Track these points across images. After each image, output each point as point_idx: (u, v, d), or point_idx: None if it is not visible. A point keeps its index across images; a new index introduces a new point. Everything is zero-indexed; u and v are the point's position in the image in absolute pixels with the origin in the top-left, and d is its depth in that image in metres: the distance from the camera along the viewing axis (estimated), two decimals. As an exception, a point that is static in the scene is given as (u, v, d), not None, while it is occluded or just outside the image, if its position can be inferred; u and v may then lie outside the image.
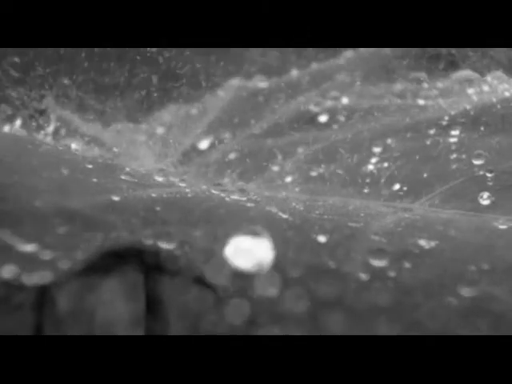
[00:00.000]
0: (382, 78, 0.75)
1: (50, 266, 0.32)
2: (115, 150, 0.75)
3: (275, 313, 0.33)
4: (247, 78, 0.80)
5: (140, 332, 0.35)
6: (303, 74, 0.79)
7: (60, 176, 0.39)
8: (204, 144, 0.71)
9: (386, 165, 0.56)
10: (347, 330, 0.33)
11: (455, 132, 0.58)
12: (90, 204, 0.36)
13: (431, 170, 0.54)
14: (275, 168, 0.61)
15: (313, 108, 0.68)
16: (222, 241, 0.35)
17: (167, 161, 0.72)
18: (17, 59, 0.82)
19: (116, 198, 0.37)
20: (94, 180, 0.39)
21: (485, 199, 0.48)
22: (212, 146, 0.70)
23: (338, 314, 0.33)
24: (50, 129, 0.72)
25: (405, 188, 0.53)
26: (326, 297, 0.34)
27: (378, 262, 0.35)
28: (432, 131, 0.59)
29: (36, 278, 0.31)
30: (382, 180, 0.54)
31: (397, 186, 0.53)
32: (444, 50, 0.78)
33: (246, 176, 0.62)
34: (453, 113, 0.61)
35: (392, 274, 0.35)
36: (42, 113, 0.74)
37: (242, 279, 0.34)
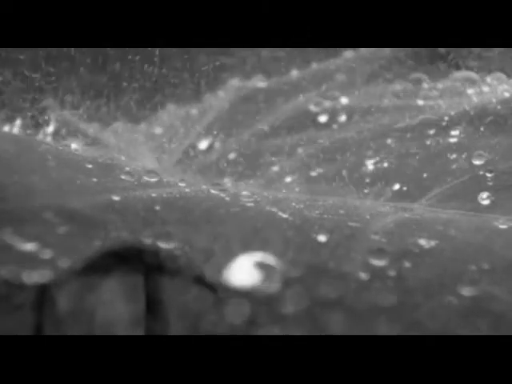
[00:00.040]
0: (382, 78, 0.75)
1: (50, 264, 0.32)
2: (115, 149, 0.75)
3: (275, 313, 0.33)
4: (247, 78, 0.80)
5: (140, 332, 0.35)
6: (303, 74, 0.79)
7: (60, 176, 0.39)
8: (204, 144, 0.71)
9: (386, 165, 0.56)
10: (347, 329, 0.33)
11: (455, 132, 0.58)
12: (89, 204, 0.36)
13: (431, 169, 0.54)
14: (275, 168, 0.61)
15: (313, 108, 0.68)
16: (222, 241, 0.35)
17: (167, 161, 0.72)
18: (17, 59, 0.82)
19: (116, 198, 0.37)
20: (94, 180, 0.39)
21: (485, 199, 0.48)
22: (212, 146, 0.70)
23: (337, 314, 0.33)
24: (50, 129, 0.72)
25: (405, 188, 0.53)
26: (325, 297, 0.34)
27: (378, 262, 0.35)
28: (432, 131, 0.59)
29: (36, 277, 0.31)
30: (382, 180, 0.54)
31: (397, 186, 0.53)
32: (444, 50, 0.78)
33: (246, 176, 0.62)
34: (453, 113, 0.61)
35: (392, 273, 0.35)
36: (42, 113, 0.74)
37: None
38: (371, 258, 0.36)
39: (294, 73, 0.79)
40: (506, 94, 0.63)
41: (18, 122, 0.72)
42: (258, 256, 0.34)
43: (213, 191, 0.43)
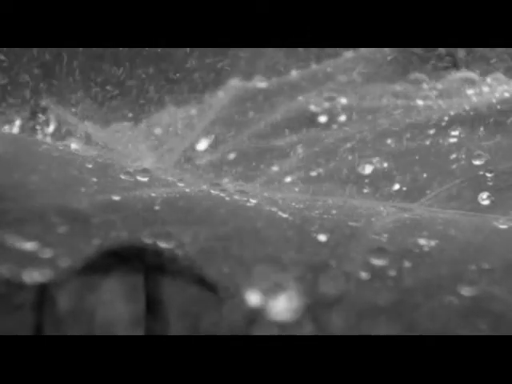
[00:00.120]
0: (382, 78, 0.75)
1: (50, 264, 0.32)
2: (115, 149, 0.75)
3: (275, 313, 0.33)
4: (247, 78, 0.80)
5: (140, 332, 0.35)
6: (303, 74, 0.79)
7: (60, 176, 0.39)
8: (204, 144, 0.71)
9: (386, 165, 0.56)
10: (347, 329, 0.33)
11: (455, 132, 0.58)
12: (89, 203, 0.36)
13: (431, 170, 0.54)
14: (275, 168, 0.61)
15: (313, 108, 0.68)
16: (223, 241, 0.35)
17: (167, 161, 0.72)
18: (17, 59, 0.82)
19: (116, 198, 0.37)
20: (94, 180, 0.39)
21: (485, 199, 0.48)
22: (212, 146, 0.70)
23: (338, 314, 0.33)
24: (50, 129, 0.72)
25: (405, 188, 0.53)
26: (326, 296, 0.34)
27: (378, 262, 0.35)
28: (432, 131, 0.59)
29: (36, 276, 0.31)
30: (382, 180, 0.54)
31: (397, 186, 0.53)
32: (444, 50, 0.78)
33: (246, 176, 0.62)
34: (453, 113, 0.61)
35: (392, 273, 0.35)
36: (42, 113, 0.74)
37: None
38: (371, 257, 0.36)
39: (294, 73, 0.79)
40: (506, 94, 0.63)
41: (18, 122, 0.72)
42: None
43: (213, 191, 0.43)
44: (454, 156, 0.55)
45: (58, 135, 0.72)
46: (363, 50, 0.79)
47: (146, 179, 0.42)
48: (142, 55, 0.87)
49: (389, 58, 0.77)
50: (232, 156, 0.66)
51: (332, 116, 0.66)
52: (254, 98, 0.75)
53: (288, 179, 0.58)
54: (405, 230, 0.40)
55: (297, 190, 0.56)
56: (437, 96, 0.67)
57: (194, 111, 0.79)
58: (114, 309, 0.35)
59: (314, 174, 0.58)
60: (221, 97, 0.78)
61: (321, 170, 0.58)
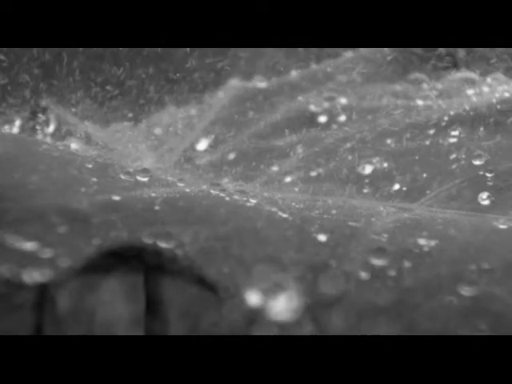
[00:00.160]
0: (382, 78, 0.75)
1: (50, 264, 0.32)
2: (115, 149, 0.75)
3: (275, 313, 0.33)
4: (247, 78, 0.80)
5: (140, 332, 0.35)
6: (303, 74, 0.79)
7: (60, 176, 0.39)
8: (203, 144, 0.71)
9: (385, 165, 0.56)
10: (347, 329, 0.33)
11: (455, 132, 0.58)
12: (89, 203, 0.36)
13: (431, 170, 0.54)
14: (275, 168, 0.61)
15: (313, 108, 0.68)
16: (223, 241, 0.35)
17: (166, 161, 0.72)
18: (17, 59, 0.82)
19: (116, 198, 0.37)
20: (94, 180, 0.39)
21: (485, 199, 0.48)
22: (211, 146, 0.70)
23: (338, 314, 0.33)
24: (50, 129, 0.72)
25: (405, 188, 0.53)
26: (326, 296, 0.34)
27: (378, 261, 0.35)
28: (432, 131, 0.59)
29: (36, 276, 0.31)
30: (382, 180, 0.54)
31: (397, 186, 0.53)
32: (444, 50, 0.78)
33: (246, 176, 0.62)
34: (453, 113, 0.61)
35: (392, 273, 0.35)
36: (42, 113, 0.74)
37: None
38: (371, 257, 0.36)
39: (294, 73, 0.79)
40: (506, 94, 0.63)
41: (18, 122, 0.72)
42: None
43: (213, 191, 0.43)
44: (453, 156, 0.55)
45: (58, 135, 0.72)
46: (363, 50, 0.79)
47: (145, 179, 0.42)
48: (142, 55, 0.87)
49: (389, 58, 0.77)
50: (232, 156, 0.66)
51: (332, 116, 0.66)
52: (253, 98, 0.75)
53: (288, 179, 0.58)
54: (405, 230, 0.40)
55: (297, 190, 0.56)
56: (437, 96, 0.67)
57: (193, 111, 0.79)
58: (114, 309, 0.35)
59: (314, 173, 0.58)
60: (221, 97, 0.78)
61: (321, 170, 0.58)
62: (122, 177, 0.42)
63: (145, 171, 0.43)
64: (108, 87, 0.86)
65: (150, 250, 0.34)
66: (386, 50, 0.78)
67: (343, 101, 0.68)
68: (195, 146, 0.71)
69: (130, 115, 0.85)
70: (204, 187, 0.45)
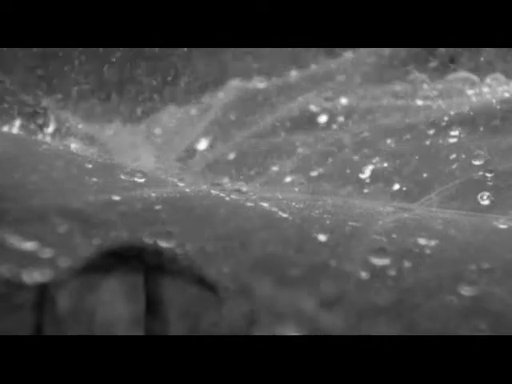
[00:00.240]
0: (382, 78, 0.75)
1: (50, 264, 0.32)
2: (115, 149, 0.75)
3: (275, 313, 0.33)
4: (247, 78, 0.80)
5: (140, 332, 0.35)
6: (303, 75, 0.79)
7: (60, 175, 0.39)
8: (204, 144, 0.71)
9: (385, 165, 0.56)
10: (347, 329, 0.33)
11: (455, 132, 0.58)
12: (89, 203, 0.36)
13: (431, 170, 0.54)
14: (275, 168, 0.61)
15: (312, 108, 0.68)
16: (223, 241, 0.35)
17: (166, 161, 0.72)
18: (16, 59, 0.82)
19: (116, 198, 0.37)
20: (94, 180, 0.39)
21: (485, 199, 0.49)
22: (212, 146, 0.70)
23: (338, 314, 0.33)
24: (50, 129, 0.72)
25: (405, 188, 0.53)
26: (326, 296, 0.34)
27: (378, 261, 0.35)
28: (432, 131, 0.59)
29: (36, 276, 0.31)
30: (382, 180, 0.54)
31: (397, 186, 0.53)
32: (444, 50, 0.78)
33: (246, 176, 0.62)
34: (452, 113, 0.61)
35: (392, 273, 0.35)
36: (42, 113, 0.74)
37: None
38: (372, 257, 0.36)
39: (294, 73, 0.79)
40: (506, 94, 0.63)
41: (18, 122, 0.72)
42: None
43: (213, 191, 0.43)
44: (453, 156, 0.55)
45: (58, 135, 0.72)
46: (363, 50, 0.79)
47: (142, 180, 0.42)
48: (142, 55, 0.87)
49: (389, 58, 0.77)
50: (232, 156, 0.66)
51: (332, 116, 0.66)
52: (253, 98, 0.75)
53: (288, 179, 0.58)
54: (405, 229, 0.40)
55: (297, 190, 0.56)
56: (437, 96, 0.67)
57: (194, 111, 0.79)
58: (114, 309, 0.35)
59: (314, 173, 0.58)
60: (221, 97, 0.78)
61: (321, 170, 0.58)
62: (122, 177, 0.42)
63: (141, 172, 0.43)
64: (108, 87, 0.86)
65: (150, 250, 0.34)
66: (385, 49, 0.78)
67: (343, 101, 0.68)
68: (195, 145, 0.71)
69: (130, 115, 0.85)
70: (204, 187, 0.45)
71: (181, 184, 0.45)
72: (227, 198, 0.42)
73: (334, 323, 0.33)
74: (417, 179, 0.54)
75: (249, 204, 0.41)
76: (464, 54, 0.79)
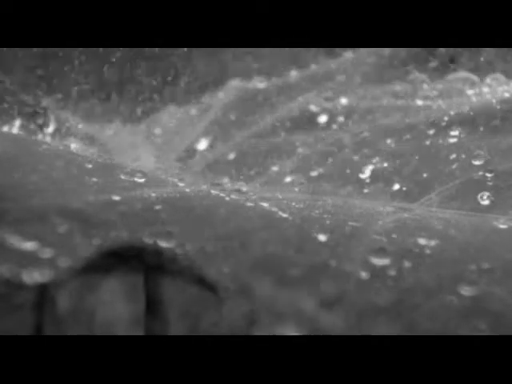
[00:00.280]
0: (382, 78, 0.75)
1: (50, 264, 0.32)
2: (115, 149, 0.75)
3: (275, 313, 0.33)
4: (247, 78, 0.80)
5: (140, 332, 0.35)
6: (303, 74, 0.79)
7: (60, 175, 0.39)
8: (203, 144, 0.71)
9: (386, 165, 0.56)
10: (347, 329, 0.33)
11: (455, 132, 0.58)
12: (89, 203, 0.36)
13: (431, 170, 0.54)
14: (275, 168, 0.61)
15: (312, 108, 0.68)
16: (223, 241, 0.35)
17: (166, 161, 0.72)
18: (16, 59, 0.82)
19: (116, 198, 0.37)
20: (94, 179, 0.39)
21: (485, 199, 0.49)
22: (212, 146, 0.70)
23: (338, 314, 0.33)
24: (50, 129, 0.72)
25: (405, 188, 0.53)
26: (326, 296, 0.34)
27: (378, 261, 0.35)
28: (432, 131, 0.59)
29: (36, 276, 0.31)
30: (382, 180, 0.54)
31: (397, 186, 0.53)
32: (444, 50, 0.78)
33: (246, 176, 0.62)
34: (452, 113, 0.61)
35: (392, 273, 0.35)
36: (42, 113, 0.74)
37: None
38: (372, 257, 0.36)
39: (294, 73, 0.79)
40: (506, 94, 0.63)
41: (18, 122, 0.72)
42: None
43: (213, 191, 0.43)
44: (453, 156, 0.55)
45: (57, 135, 0.72)
46: (363, 50, 0.79)
47: (142, 180, 0.42)
48: (142, 55, 0.87)
49: (389, 58, 0.77)
50: (232, 156, 0.66)
51: (332, 116, 0.66)
52: (253, 98, 0.75)
53: (288, 179, 0.58)
54: (405, 229, 0.40)
55: (297, 190, 0.56)
56: (437, 96, 0.67)
57: (194, 111, 0.79)
58: (114, 309, 0.35)
59: (314, 173, 0.58)
60: (221, 97, 0.78)
61: (321, 170, 0.58)
62: (122, 177, 0.42)
63: (141, 173, 0.43)
64: (108, 87, 0.86)
65: (150, 250, 0.34)
66: (385, 49, 0.78)
67: (343, 101, 0.69)
68: (195, 145, 0.71)
69: (130, 115, 0.85)
70: (204, 187, 0.45)
71: (181, 184, 0.45)
72: (227, 198, 0.42)
73: (334, 323, 0.33)
74: (417, 179, 0.54)
75: (249, 204, 0.41)
76: (464, 53, 0.79)
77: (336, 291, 0.34)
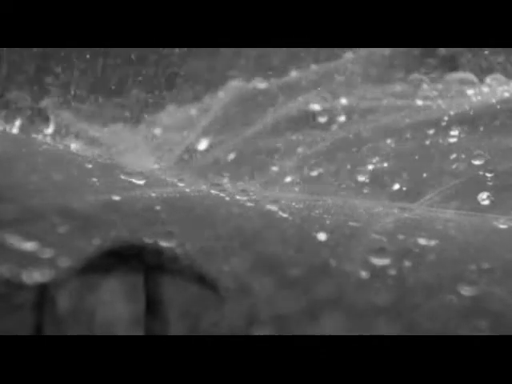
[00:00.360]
0: (382, 78, 0.75)
1: (50, 264, 0.32)
2: (115, 150, 0.75)
3: (275, 313, 0.33)
4: (247, 78, 0.80)
5: (140, 332, 0.35)
6: (303, 75, 0.79)
7: (60, 176, 0.39)
8: (203, 144, 0.71)
9: (386, 165, 0.56)
10: (347, 329, 0.33)
11: (455, 132, 0.58)
12: (89, 203, 0.36)
13: (431, 170, 0.54)
14: (275, 168, 0.61)
15: (313, 108, 0.68)
16: (223, 240, 0.35)
17: (166, 161, 0.72)
18: (16, 59, 0.82)
19: (116, 198, 0.37)
20: (94, 180, 0.39)
21: (485, 199, 0.49)
22: (211, 146, 0.70)
23: (338, 314, 0.33)
24: (50, 129, 0.73)
25: (405, 188, 0.53)
26: (326, 296, 0.34)
27: (378, 261, 0.35)
28: (432, 131, 0.59)
29: (36, 277, 0.31)
30: (382, 180, 0.54)
31: (397, 186, 0.53)
32: (444, 50, 0.78)
33: (246, 176, 0.62)
34: (453, 113, 0.61)
35: (392, 273, 0.35)
36: (42, 113, 0.74)
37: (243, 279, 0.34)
38: (372, 257, 0.36)
39: (294, 73, 0.79)
40: (506, 94, 0.63)
41: (18, 122, 0.72)
42: None
43: (213, 191, 0.43)
44: (453, 156, 0.55)
45: (57, 135, 0.72)
46: (363, 51, 0.79)
47: (141, 182, 0.42)
48: (142, 55, 0.87)
49: (389, 58, 0.77)
50: (232, 156, 0.66)
51: (332, 116, 0.66)
52: (253, 98, 0.75)
53: (288, 179, 0.58)
54: (405, 229, 0.40)
55: (297, 190, 0.56)
56: (436, 96, 0.67)
57: (194, 111, 0.79)
58: (114, 309, 0.35)
59: (314, 173, 0.58)
60: (221, 97, 0.78)
61: (321, 170, 0.58)
62: (122, 177, 0.42)
63: (141, 174, 0.43)
64: (108, 87, 0.86)
65: (150, 250, 0.34)
66: (385, 50, 0.78)
67: (343, 101, 0.69)
68: (195, 145, 0.71)
69: (130, 115, 0.85)
70: (204, 187, 0.45)
71: (181, 184, 0.45)
72: (227, 198, 0.42)
73: (334, 323, 0.33)
74: (417, 179, 0.54)
75: (249, 204, 0.41)
76: (464, 53, 0.79)
77: (336, 291, 0.34)
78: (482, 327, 0.33)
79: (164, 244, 0.34)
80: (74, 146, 0.71)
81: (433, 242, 0.38)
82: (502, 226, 0.43)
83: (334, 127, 0.65)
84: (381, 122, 0.63)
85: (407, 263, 0.36)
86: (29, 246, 0.32)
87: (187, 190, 0.42)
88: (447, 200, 0.50)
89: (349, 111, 0.66)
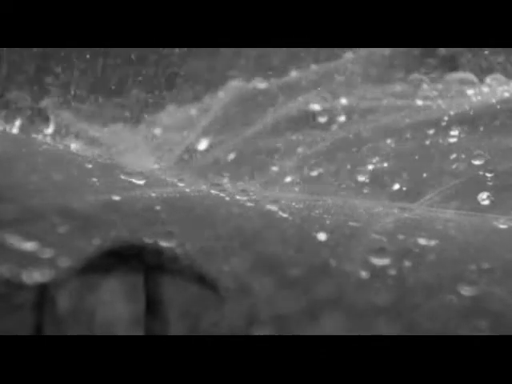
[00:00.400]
0: (382, 78, 0.75)
1: (50, 264, 0.32)
2: (115, 150, 0.75)
3: (275, 313, 0.33)
4: (247, 78, 0.80)
5: (140, 332, 0.35)
6: (303, 75, 0.79)
7: (60, 175, 0.39)
8: (203, 144, 0.71)
9: (386, 165, 0.56)
10: (347, 329, 0.33)
11: (455, 132, 0.58)
12: (89, 203, 0.36)
13: (431, 169, 0.54)
14: (275, 168, 0.61)
15: (313, 108, 0.68)
16: (223, 240, 0.35)
17: (166, 161, 0.72)
18: (16, 59, 0.82)
19: (116, 198, 0.37)
20: (94, 180, 0.39)
21: (485, 199, 0.49)
22: (211, 146, 0.70)
23: (338, 314, 0.33)
24: (50, 129, 0.73)
25: (405, 188, 0.53)
26: (326, 296, 0.34)
27: (378, 261, 0.35)
28: (432, 131, 0.59)
29: (36, 277, 0.31)
30: (382, 180, 0.54)
31: (397, 186, 0.53)
32: (444, 50, 0.78)
33: (246, 176, 0.62)
34: (453, 113, 0.61)
35: (392, 273, 0.35)
36: (42, 113, 0.74)
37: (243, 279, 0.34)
38: (372, 257, 0.36)
39: (294, 73, 0.80)
40: (506, 94, 0.63)
41: (18, 122, 0.72)
42: None
43: (213, 191, 0.43)
44: (453, 156, 0.55)
45: (57, 135, 0.72)
46: (363, 51, 0.79)
47: (141, 182, 0.42)
48: (142, 55, 0.87)
49: (389, 58, 0.77)
50: (232, 156, 0.66)
51: (332, 116, 0.66)
52: (253, 98, 0.75)
53: (288, 179, 0.58)
54: (405, 229, 0.40)
55: (297, 190, 0.56)
56: (436, 96, 0.67)
57: (194, 111, 0.79)
58: (114, 309, 0.35)
59: (314, 173, 0.58)
60: (221, 97, 0.78)
61: (321, 170, 0.58)
62: (122, 177, 0.42)
63: (141, 174, 0.43)
64: (108, 87, 0.86)
65: (150, 250, 0.34)
66: (385, 50, 0.78)
67: (343, 101, 0.69)
68: (195, 145, 0.71)
69: (130, 115, 0.85)
70: (204, 187, 0.45)
71: (181, 184, 0.45)
72: (227, 198, 0.42)
73: (334, 323, 0.33)
74: (417, 179, 0.54)
75: (249, 204, 0.41)
76: (464, 53, 0.79)
77: (336, 291, 0.34)
78: (482, 327, 0.33)
79: (164, 244, 0.34)
80: (74, 145, 0.71)
81: (433, 242, 0.38)
82: (502, 226, 0.43)
83: (334, 127, 0.65)
84: (381, 122, 0.63)
85: (407, 263, 0.36)
86: (29, 246, 0.32)
87: (187, 189, 0.42)
88: (447, 200, 0.50)
89: (349, 111, 0.67)
